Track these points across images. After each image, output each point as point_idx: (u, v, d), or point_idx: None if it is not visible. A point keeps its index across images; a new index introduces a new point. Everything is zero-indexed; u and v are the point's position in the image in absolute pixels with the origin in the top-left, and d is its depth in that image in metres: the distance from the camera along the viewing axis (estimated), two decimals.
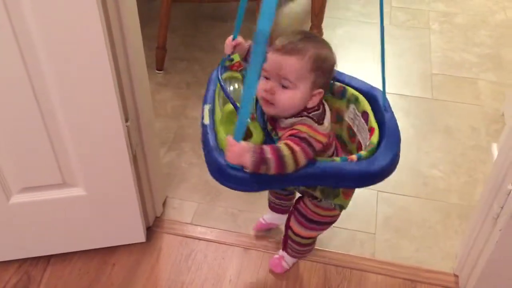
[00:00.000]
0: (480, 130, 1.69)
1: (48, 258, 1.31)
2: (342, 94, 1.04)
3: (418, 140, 1.66)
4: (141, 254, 1.33)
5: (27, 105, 1.01)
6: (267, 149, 0.85)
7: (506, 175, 1.03)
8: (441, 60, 2.00)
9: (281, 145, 0.87)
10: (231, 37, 1.01)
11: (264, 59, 0.75)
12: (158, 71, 1.92)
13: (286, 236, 1.20)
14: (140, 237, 1.33)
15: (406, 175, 1.55)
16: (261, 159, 0.84)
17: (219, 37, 2.09)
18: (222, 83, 0.98)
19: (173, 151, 1.62)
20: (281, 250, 1.28)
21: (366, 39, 2.10)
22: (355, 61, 1.96)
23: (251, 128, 0.95)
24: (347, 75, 1.05)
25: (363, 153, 0.92)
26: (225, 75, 1.04)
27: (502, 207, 1.03)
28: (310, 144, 0.88)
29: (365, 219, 1.42)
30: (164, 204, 1.45)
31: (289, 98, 0.92)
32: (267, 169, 0.85)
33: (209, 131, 0.93)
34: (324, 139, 0.92)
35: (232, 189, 0.89)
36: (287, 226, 1.17)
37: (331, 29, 2.13)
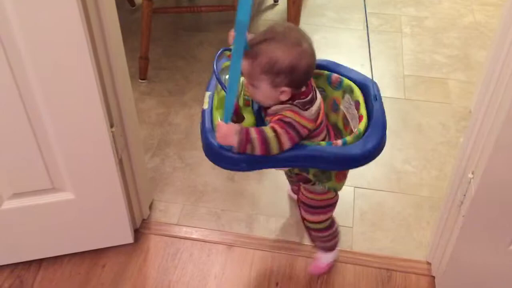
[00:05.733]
0: (450, 127, 1.78)
1: (39, 262, 1.36)
2: (339, 84, 1.11)
3: (392, 138, 1.74)
4: (129, 255, 1.39)
5: (16, 114, 1.07)
6: (252, 130, 0.93)
7: (467, 165, 1.11)
8: (413, 62, 2.09)
9: (266, 128, 0.95)
10: (233, 29, 1.07)
11: (245, 46, 0.81)
12: (141, 80, 1.99)
13: (306, 229, 1.25)
14: (128, 238, 1.39)
15: (381, 171, 1.63)
16: (246, 139, 0.91)
17: (199, 46, 2.17)
18: (216, 70, 1.03)
19: (157, 156, 1.69)
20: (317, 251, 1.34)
21: (341, 43, 2.19)
22: None
23: (245, 113, 1.03)
24: (345, 67, 1.12)
25: (348, 138, 0.99)
26: (225, 64, 1.10)
27: (464, 195, 1.11)
28: (294, 128, 0.95)
29: (343, 214, 1.49)
30: (150, 207, 1.51)
31: (255, 95, 1.00)
32: (253, 149, 0.92)
33: (206, 115, 1.00)
34: (309, 124, 0.98)
35: (224, 168, 0.97)
36: (301, 218, 1.23)
37: (308, 35, 2.22)
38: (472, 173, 1.07)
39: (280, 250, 1.40)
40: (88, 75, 1.05)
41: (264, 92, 0.98)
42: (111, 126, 1.19)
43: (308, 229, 1.24)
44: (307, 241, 1.42)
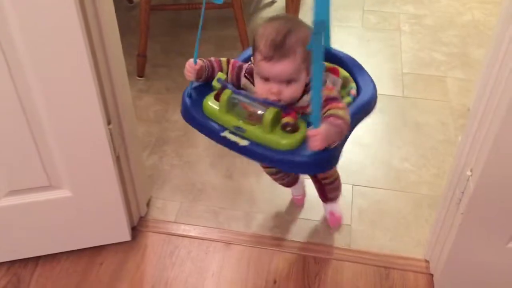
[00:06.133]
0: (448, 125, 1.78)
1: (37, 259, 1.36)
2: None
3: (390, 136, 1.74)
4: (127, 253, 1.38)
5: (13, 111, 1.07)
6: (334, 119, 0.94)
7: (466, 163, 1.11)
8: (411, 60, 2.09)
9: (333, 111, 0.96)
10: (191, 61, 1.04)
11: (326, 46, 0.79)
12: (139, 78, 1.98)
13: (322, 188, 1.36)
14: (126, 236, 1.38)
15: (379, 169, 1.62)
16: (340, 128, 0.94)
17: None
18: (238, 91, 1.00)
19: (155, 154, 1.68)
20: (328, 206, 1.43)
21: (339, 41, 2.18)
22: None
23: (299, 122, 1.00)
24: None
25: (353, 85, 1.11)
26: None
27: (463, 192, 1.11)
28: (339, 98, 1.01)
29: (342, 212, 1.49)
30: (148, 204, 1.50)
31: (295, 91, 1.00)
32: (343, 133, 0.96)
33: (260, 149, 0.96)
34: (336, 91, 1.03)
35: (328, 170, 1.13)
36: (318, 181, 1.34)
37: None
38: (471, 171, 1.07)
39: (278, 247, 1.40)
40: (86, 73, 1.04)
41: (303, 81, 1.00)
42: (109, 123, 1.18)
43: (324, 186, 1.35)
44: (305, 239, 1.42)
